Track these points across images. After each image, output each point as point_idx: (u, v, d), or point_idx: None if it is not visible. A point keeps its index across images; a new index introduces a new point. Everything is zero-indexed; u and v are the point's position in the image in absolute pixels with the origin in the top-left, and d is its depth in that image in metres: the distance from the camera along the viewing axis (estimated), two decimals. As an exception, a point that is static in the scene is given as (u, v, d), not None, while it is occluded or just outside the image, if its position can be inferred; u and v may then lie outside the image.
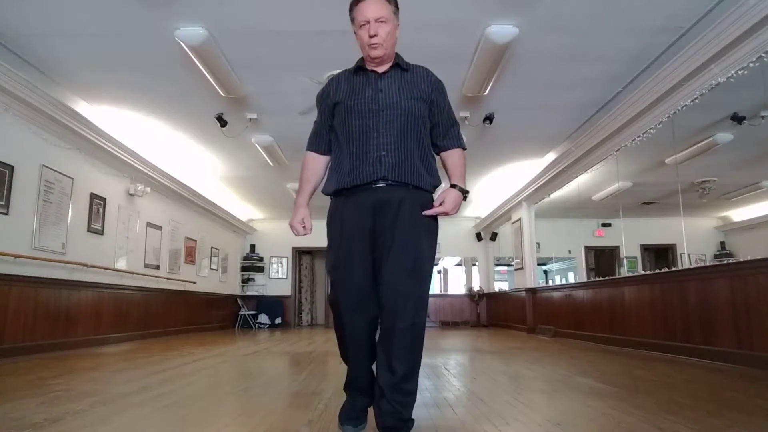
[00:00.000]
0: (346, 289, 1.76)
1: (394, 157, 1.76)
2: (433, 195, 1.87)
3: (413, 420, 1.75)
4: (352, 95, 1.83)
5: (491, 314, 12.18)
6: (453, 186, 1.83)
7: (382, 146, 1.76)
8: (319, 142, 1.95)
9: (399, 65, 1.88)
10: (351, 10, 1.81)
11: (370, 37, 1.75)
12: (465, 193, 1.83)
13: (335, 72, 2.00)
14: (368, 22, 1.75)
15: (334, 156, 1.89)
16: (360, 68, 1.89)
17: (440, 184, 1.88)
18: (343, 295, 1.76)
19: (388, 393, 1.68)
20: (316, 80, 4.93)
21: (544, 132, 6.64)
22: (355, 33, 1.82)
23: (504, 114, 5.90)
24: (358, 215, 1.76)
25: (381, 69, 1.86)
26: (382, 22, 1.76)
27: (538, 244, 9.81)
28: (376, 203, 1.75)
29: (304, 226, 1.88)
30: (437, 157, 1.97)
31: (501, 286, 13.32)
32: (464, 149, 1.95)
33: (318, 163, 1.95)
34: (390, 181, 1.75)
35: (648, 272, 5.67)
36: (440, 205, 1.79)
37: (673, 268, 5.41)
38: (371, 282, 1.76)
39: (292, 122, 5.96)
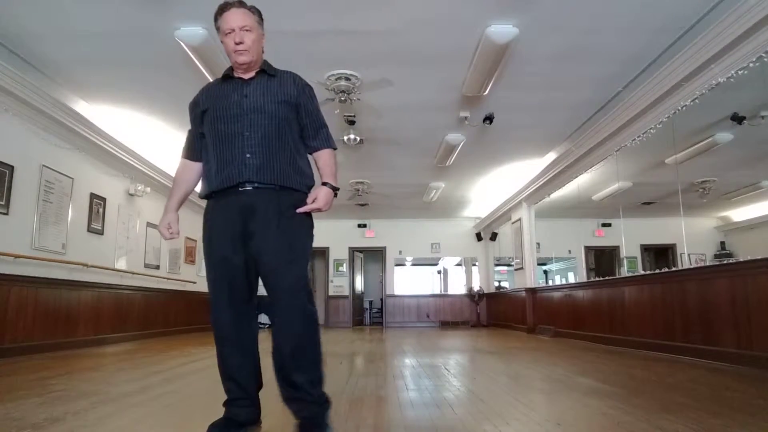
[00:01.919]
0: (219, 292, 1.83)
1: (259, 159, 1.81)
2: (307, 193, 1.93)
3: (329, 402, 1.85)
4: (218, 101, 1.90)
5: (491, 314, 12.18)
6: (324, 184, 1.90)
7: (247, 149, 1.81)
8: (191, 149, 2.01)
9: (265, 71, 1.94)
10: (216, 19, 1.90)
11: (236, 44, 1.84)
12: (335, 190, 1.91)
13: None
14: (233, 30, 1.84)
15: (205, 161, 1.94)
16: (227, 76, 1.95)
17: (312, 182, 1.95)
18: (218, 297, 1.83)
19: (286, 378, 1.77)
20: (316, 80, 4.93)
21: (544, 132, 6.64)
22: (222, 41, 1.90)
23: (504, 114, 5.90)
24: (227, 218, 1.82)
25: (247, 76, 1.92)
26: (246, 30, 1.85)
27: (538, 244, 9.81)
28: (244, 207, 1.80)
29: (170, 230, 1.96)
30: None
31: (504, 284, 13.32)
32: (334, 149, 2.02)
33: (190, 171, 2.01)
34: (256, 184, 1.81)
35: (648, 272, 5.67)
36: (313, 202, 1.86)
37: (673, 268, 5.41)
38: (246, 282, 1.83)
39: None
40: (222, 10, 1.87)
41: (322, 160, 1.97)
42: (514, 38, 4.14)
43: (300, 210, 1.85)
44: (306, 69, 5.12)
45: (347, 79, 4.99)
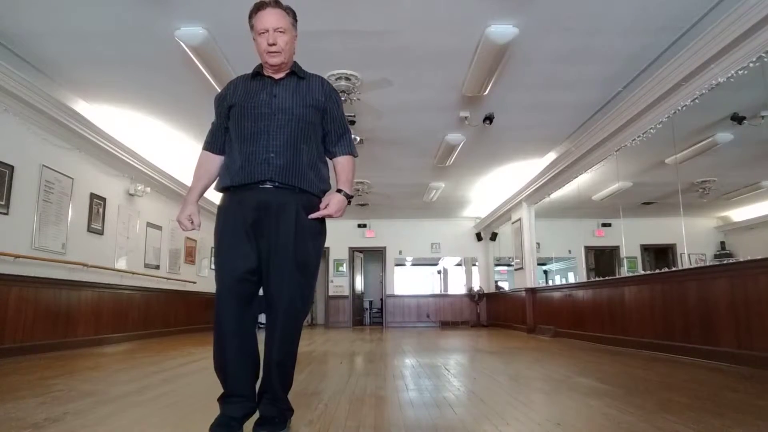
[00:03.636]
0: (226, 282, 1.81)
1: (282, 160, 1.83)
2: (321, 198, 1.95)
3: (292, 410, 1.92)
4: (246, 98, 1.90)
5: (491, 314, 12.18)
6: (339, 191, 1.94)
7: (272, 148, 1.83)
8: (214, 142, 2.03)
9: (295, 73, 1.96)
10: (250, 17, 1.88)
11: (269, 45, 1.84)
12: (349, 198, 1.95)
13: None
14: (267, 30, 1.84)
15: (228, 155, 1.96)
16: (258, 74, 1.96)
17: (328, 187, 1.97)
18: (224, 288, 1.81)
19: (271, 384, 1.81)
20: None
21: (544, 132, 6.64)
22: (254, 39, 1.89)
23: (504, 114, 5.90)
24: (242, 211, 1.83)
25: (277, 76, 1.94)
26: (281, 32, 1.85)
27: (538, 244, 9.81)
28: (261, 203, 1.82)
29: (192, 222, 1.96)
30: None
31: (502, 285, 13.32)
32: (355, 156, 2.05)
33: (212, 163, 2.02)
34: (277, 183, 1.83)
35: (648, 272, 5.67)
36: (325, 208, 1.90)
37: (673, 268, 5.41)
38: (252, 275, 1.82)
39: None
40: (257, 8, 1.85)
41: (340, 165, 2.00)
42: (514, 38, 4.14)
43: (312, 216, 1.87)
44: (306, 69, 5.10)
45: (347, 79, 4.99)
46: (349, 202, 1.95)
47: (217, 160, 2.01)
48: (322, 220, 1.95)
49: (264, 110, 1.87)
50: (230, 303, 1.80)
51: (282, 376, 1.85)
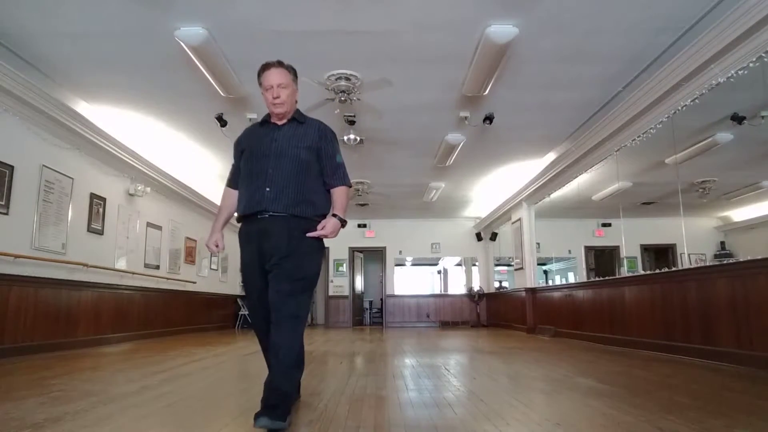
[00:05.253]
0: (252, 299, 2.28)
1: (277, 194, 2.17)
2: (317, 221, 2.26)
3: (296, 398, 2.17)
4: (253, 143, 2.32)
5: (491, 314, 12.18)
6: (334, 215, 2.27)
7: (268, 184, 2.18)
8: (233, 180, 2.44)
9: (296, 119, 2.34)
10: (259, 75, 2.28)
11: (274, 98, 2.23)
12: (343, 222, 2.25)
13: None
14: (272, 86, 2.22)
15: (239, 191, 2.34)
16: (265, 121, 2.37)
17: (325, 212, 2.30)
18: (251, 304, 2.30)
19: (274, 375, 2.04)
20: (316, 80, 4.93)
21: (544, 132, 6.63)
22: (262, 94, 2.30)
23: (504, 114, 5.90)
24: (250, 240, 2.23)
25: (280, 122, 2.32)
26: (283, 87, 2.24)
27: (538, 244, 9.81)
28: (261, 231, 2.19)
29: (217, 246, 2.37)
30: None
31: (504, 284, 13.32)
32: (349, 186, 2.38)
33: (232, 197, 2.42)
34: (271, 212, 2.17)
35: (648, 272, 5.67)
36: (322, 228, 2.20)
37: (673, 268, 5.41)
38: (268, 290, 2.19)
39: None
40: (264, 68, 2.25)
41: (335, 195, 2.32)
42: (514, 38, 4.14)
43: (309, 234, 2.18)
44: (306, 69, 5.12)
45: (347, 79, 4.99)
46: (342, 226, 2.25)
47: (236, 195, 2.38)
48: (319, 240, 2.24)
49: (266, 152, 2.23)
50: (259, 313, 2.25)
51: (286, 371, 2.05)
